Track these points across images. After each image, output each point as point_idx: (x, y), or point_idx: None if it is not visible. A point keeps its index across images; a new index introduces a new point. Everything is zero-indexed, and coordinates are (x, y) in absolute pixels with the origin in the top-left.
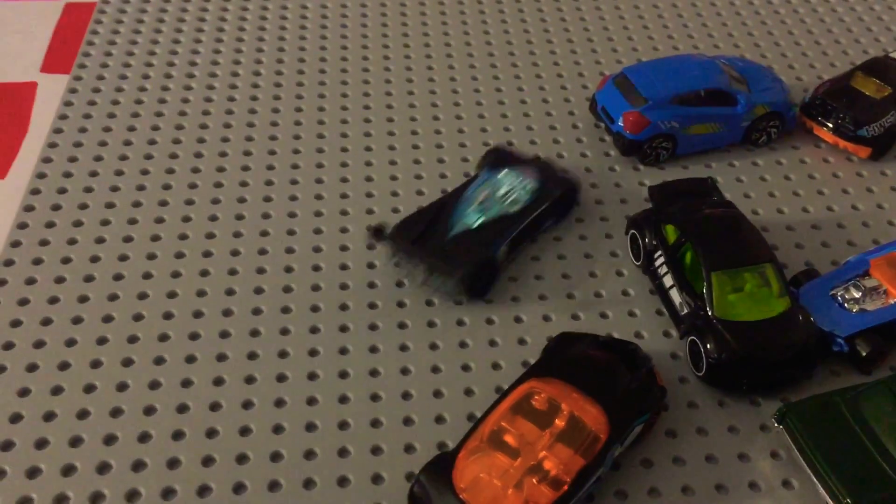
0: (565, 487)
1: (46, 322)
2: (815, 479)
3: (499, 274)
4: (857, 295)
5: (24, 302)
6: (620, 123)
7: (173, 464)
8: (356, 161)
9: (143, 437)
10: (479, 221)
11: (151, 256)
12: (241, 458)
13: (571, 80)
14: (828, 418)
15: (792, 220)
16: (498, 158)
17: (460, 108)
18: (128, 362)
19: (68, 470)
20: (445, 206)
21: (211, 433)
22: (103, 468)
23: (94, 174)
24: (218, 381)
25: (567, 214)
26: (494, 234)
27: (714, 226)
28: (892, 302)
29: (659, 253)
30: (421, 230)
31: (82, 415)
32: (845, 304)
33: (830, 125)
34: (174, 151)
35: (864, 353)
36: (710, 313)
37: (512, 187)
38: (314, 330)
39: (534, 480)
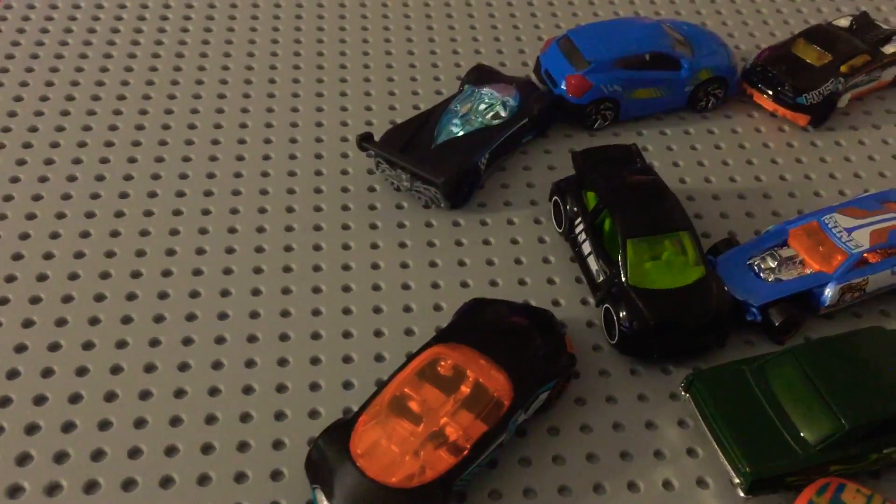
0: (465, 453)
1: None
2: (716, 447)
3: (480, 183)
4: (772, 264)
5: None
6: (563, 86)
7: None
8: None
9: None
10: (462, 133)
11: (63, 202)
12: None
13: (508, 45)
14: (733, 386)
15: (719, 189)
16: (480, 75)
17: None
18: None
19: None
20: (430, 117)
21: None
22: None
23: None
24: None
25: (546, 130)
26: (476, 144)
27: (632, 193)
28: (808, 272)
29: (579, 220)
30: (407, 139)
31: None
32: (761, 274)
33: (770, 92)
34: (91, 108)
35: (776, 323)
36: (624, 281)
37: (492, 102)
38: (225, 294)
39: (432, 446)
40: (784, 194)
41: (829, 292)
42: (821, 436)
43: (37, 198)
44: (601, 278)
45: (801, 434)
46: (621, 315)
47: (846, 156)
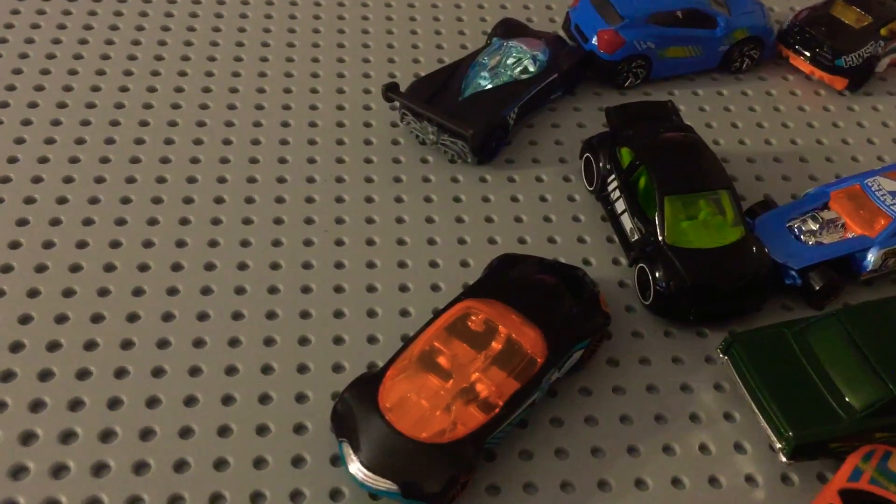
0: (496, 411)
1: None
2: (756, 411)
3: (507, 138)
4: (814, 227)
5: None
6: (594, 42)
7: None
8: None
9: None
10: (489, 86)
11: (71, 166)
12: (157, 371)
13: (535, 0)
14: (774, 349)
15: (753, 151)
16: (508, 29)
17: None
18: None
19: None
20: (457, 70)
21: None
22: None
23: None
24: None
25: (574, 87)
26: (505, 98)
27: (670, 150)
28: (850, 236)
29: (612, 177)
30: (434, 91)
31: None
32: (801, 237)
33: (808, 54)
34: (105, 53)
35: (816, 287)
36: (660, 240)
37: (521, 56)
38: (245, 244)
39: (463, 402)
40: (821, 158)
41: (871, 257)
42: (867, 401)
43: (49, 140)
44: (635, 237)
45: (846, 399)
46: (657, 275)
47: (884, 121)
